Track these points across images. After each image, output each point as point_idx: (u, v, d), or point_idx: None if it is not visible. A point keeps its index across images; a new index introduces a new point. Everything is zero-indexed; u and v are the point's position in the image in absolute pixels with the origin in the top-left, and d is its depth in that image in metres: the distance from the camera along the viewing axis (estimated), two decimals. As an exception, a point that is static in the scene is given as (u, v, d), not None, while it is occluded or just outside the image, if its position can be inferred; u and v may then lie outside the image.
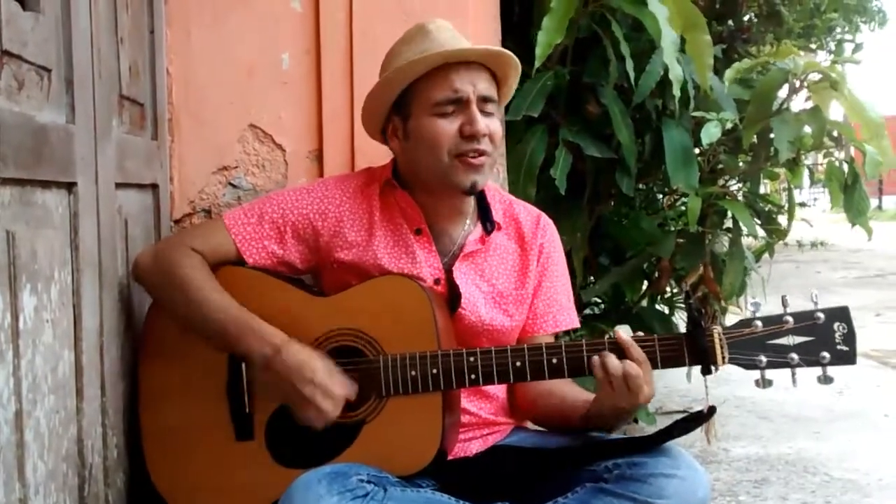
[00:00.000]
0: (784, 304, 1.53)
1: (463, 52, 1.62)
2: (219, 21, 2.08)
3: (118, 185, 1.67)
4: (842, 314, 1.51)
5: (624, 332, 1.55)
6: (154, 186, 1.96)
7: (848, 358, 1.50)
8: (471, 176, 1.62)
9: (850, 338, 1.50)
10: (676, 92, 2.22)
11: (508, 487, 1.59)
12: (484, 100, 1.63)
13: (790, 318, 1.51)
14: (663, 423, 1.62)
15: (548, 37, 2.21)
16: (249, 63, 2.09)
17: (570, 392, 1.68)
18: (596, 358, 1.52)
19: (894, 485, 2.79)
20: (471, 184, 1.63)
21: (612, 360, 1.51)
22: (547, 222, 1.81)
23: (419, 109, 1.63)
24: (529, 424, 1.82)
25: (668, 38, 2.17)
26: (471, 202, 1.74)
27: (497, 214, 1.75)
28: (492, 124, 1.63)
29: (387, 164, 1.77)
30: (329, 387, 1.53)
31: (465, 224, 1.73)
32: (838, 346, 1.50)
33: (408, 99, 1.64)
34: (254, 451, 1.61)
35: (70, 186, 1.45)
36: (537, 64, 2.20)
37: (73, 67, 1.46)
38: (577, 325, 1.83)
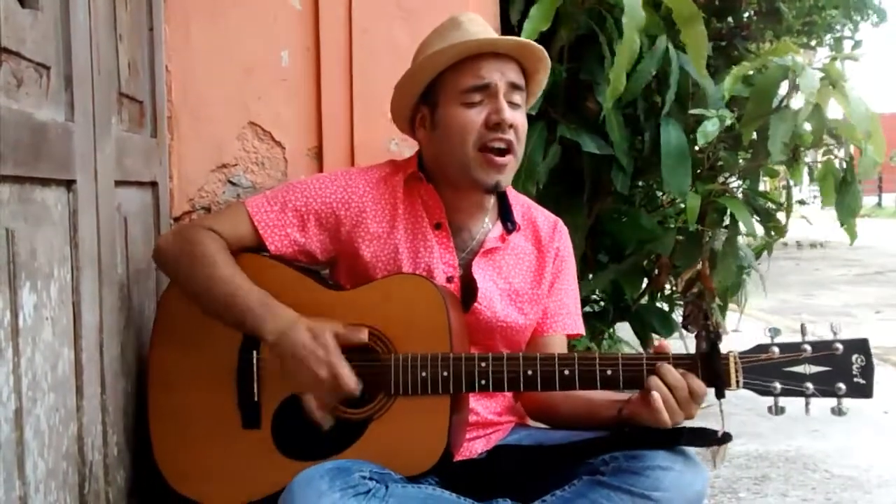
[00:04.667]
0: (803, 331, 1.50)
1: (492, 42, 1.62)
2: (218, 18, 2.08)
3: (117, 183, 1.67)
4: (861, 346, 1.48)
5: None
6: (153, 184, 1.96)
7: (864, 391, 1.46)
8: (493, 176, 1.63)
9: (867, 371, 1.47)
10: (609, 102, 2.24)
11: (509, 484, 1.58)
12: (512, 87, 1.63)
13: (808, 347, 1.48)
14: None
15: (533, 24, 2.21)
16: (249, 60, 2.09)
17: (595, 392, 1.62)
18: (654, 378, 1.49)
19: (894, 481, 2.79)
20: (494, 183, 1.64)
21: (672, 375, 1.48)
22: (563, 228, 1.81)
23: (447, 98, 1.63)
24: (529, 421, 1.82)
25: (628, 46, 2.17)
26: (491, 199, 1.74)
27: (517, 216, 1.76)
28: (518, 116, 1.63)
29: (412, 157, 1.77)
30: (339, 370, 1.52)
31: (485, 221, 1.74)
32: (855, 379, 1.46)
33: (436, 88, 1.65)
34: (259, 439, 1.61)
35: (69, 184, 1.45)
36: None
37: (72, 65, 1.46)
38: (583, 332, 1.83)
